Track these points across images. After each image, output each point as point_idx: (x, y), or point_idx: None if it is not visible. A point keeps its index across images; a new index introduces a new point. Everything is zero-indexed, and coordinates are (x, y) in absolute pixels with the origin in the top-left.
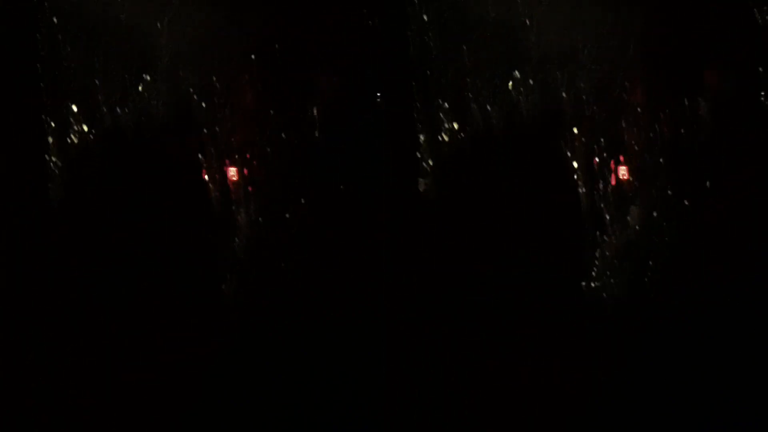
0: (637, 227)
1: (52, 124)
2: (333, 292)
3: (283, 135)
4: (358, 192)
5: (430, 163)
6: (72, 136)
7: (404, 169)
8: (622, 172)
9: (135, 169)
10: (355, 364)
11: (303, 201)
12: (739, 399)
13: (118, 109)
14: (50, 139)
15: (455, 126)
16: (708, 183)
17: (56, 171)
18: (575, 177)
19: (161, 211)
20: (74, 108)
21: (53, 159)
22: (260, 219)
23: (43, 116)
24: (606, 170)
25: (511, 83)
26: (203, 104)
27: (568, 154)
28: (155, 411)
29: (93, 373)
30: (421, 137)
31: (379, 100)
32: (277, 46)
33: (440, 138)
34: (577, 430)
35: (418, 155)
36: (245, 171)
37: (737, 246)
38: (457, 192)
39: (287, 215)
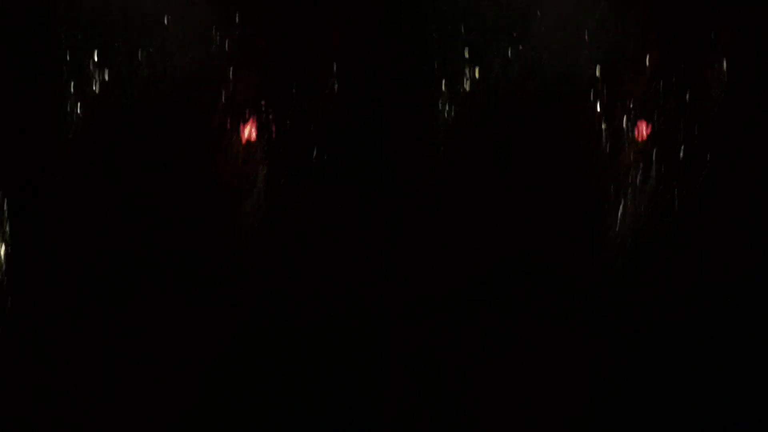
0: (635, 221)
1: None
2: (333, 292)
3: (281, 129)
4: (358, 191)
5: (430, 154)
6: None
7: (404, 168)
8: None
9: (129, 165)
10: (355, 364)
11: (301, 198)
12: (740, 398)
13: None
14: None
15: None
16: (706, 178)
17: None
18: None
19: (157, 207)
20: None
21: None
22: (259, 215)
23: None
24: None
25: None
26: (200, 98)
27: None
28: (154, 411)
29: (91, 373)
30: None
31: (378, 96)
32: (273, 34)
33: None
34: (577, 430)
35: (419, 144)
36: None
37: (737, 242)
38: (455, 187)
39: (286, 213)
